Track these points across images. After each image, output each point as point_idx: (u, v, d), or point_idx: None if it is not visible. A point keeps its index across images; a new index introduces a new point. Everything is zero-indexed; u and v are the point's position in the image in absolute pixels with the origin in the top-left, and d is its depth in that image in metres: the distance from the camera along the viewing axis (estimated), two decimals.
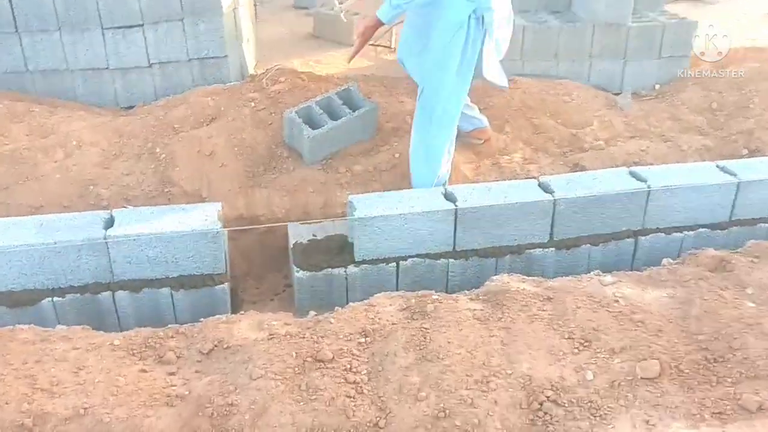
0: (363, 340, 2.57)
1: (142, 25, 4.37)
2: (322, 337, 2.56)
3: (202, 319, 2.79)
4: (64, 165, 3.67)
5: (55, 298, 3.04)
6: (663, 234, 3.51)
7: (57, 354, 2.50)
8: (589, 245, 3.45)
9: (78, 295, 3.06)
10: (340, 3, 4.56)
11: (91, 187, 3.58)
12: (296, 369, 2.42)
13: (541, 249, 3.40)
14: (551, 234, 3.40)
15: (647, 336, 2.57)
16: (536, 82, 4.66)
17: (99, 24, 4.32)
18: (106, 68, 4.46)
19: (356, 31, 3.46)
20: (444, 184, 3.55)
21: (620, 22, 4.97)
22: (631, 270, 3.30)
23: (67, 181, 3.59)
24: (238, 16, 4.93)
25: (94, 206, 3.53)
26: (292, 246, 3.35)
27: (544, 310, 2.73)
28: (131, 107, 4.49)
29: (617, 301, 2.77)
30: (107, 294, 3.08)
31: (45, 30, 4.31)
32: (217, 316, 2.80)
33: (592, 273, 3.00)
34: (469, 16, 3.22)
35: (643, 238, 3.49)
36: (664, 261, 3.15)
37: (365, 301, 2.82)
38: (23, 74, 4.43)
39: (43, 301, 3.03)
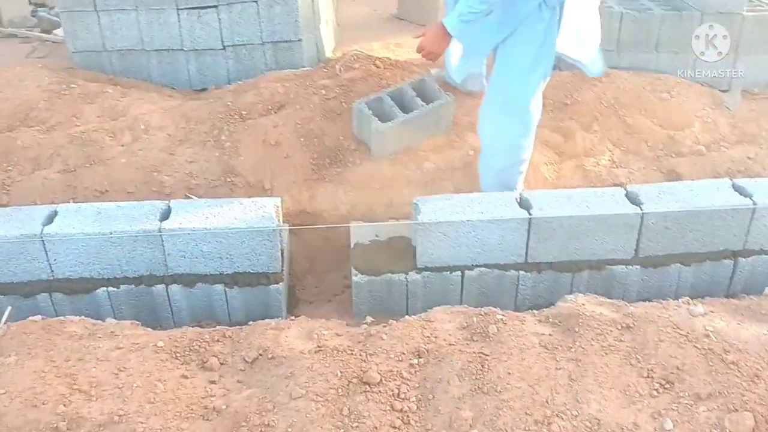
0: (415, 361, 2.36)
1: (217, 6, 4.28)
2: (371, 354, 2.38)
3: (251, 322, 2.68)
4: (130, 149, 3.63)
5: (110, 288, 3.00)
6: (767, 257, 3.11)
7: (100, 353, 2.43)
8: (679, 265, 3.10)
9: (132, 286, 3.01)
10: None
11: (155, 173, 3.52)
12: (340, 390, 2.25)
13: (624, 266, 3.08)
14: (636, 250, 3.07)
15: (741, 381, 2.24)
16: (632, 76, 4.26)
17: (174, 4, 4.25)
18: (181, 49, 4.40)
19: (426, 47, 3.03)
20: (517, 188, 3.28)
21: (734, 11, 4.48)
22: (727, 297, 2.94)
23: (132, 166, 3.55)
24: None
25: (157, 193, 3.48)
26: (352, 247, 3.17)
27: (621, 341, 2.44)
28: (204, 90, 4.42)
29: (708, 335, 2.43)
30: (161, 287, 3.01)
31: (122, 9, 4.29)
32: (267, 320, 2.68)
33: (680, 300, 2.66)
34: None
35: (743, 260, 3.11)
36: (767, 290, 2.77)
37: (422, 315, 2.62)
38: (101, 53, 4.44)
39: (98, 291, 2.99)
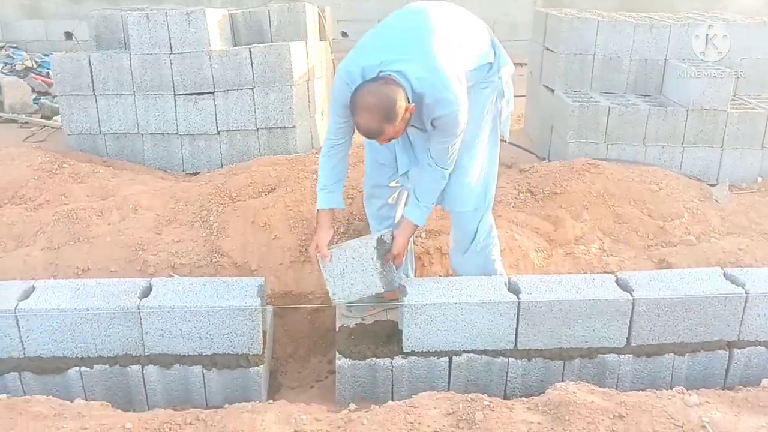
0: None
1: (213, 92, 4.37)
2: None
3: (227, 405, 2.55)
4: (117, 228, 3.60)
5: (83, 368, 2.88)
6: (764, 348, 3.02)
7: None
8: (673, 354, 3.00)
9: (107, 366, 2.89)
10: None
11: (140, 252, 3.47)
12: None
13: (616, 354, 2.98)
14: (629, 338, 2.98)
15: None
16: (621, 168, 4.31)
17: (172, 90, 4.35)
18: (176, 134, 4.46)
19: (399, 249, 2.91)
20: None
21: (718, 107, 4.59)
22: (723, 389, 2.83)
23: (117, 244, 3.50)
24: (313, 88, 4.89)
25: (140, 272, 3.42)
26: (337, 329, 3.08)
27: (613, 431, 2.32)
28: (197, 173, 4.44)
29: (704, 427, 2.32)
30: (136, 368, 2.89)
31: (120, 93, 4.38)
32: (243, 403, 2.55)
33: (674, 389, 2.56)
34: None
35: (738, 351, 3.02)
36: (765, 381, 2.67)
37: (406, 401, 2.50)
38: (96, 136, 4.50)
39: (70, 371, 2.88)
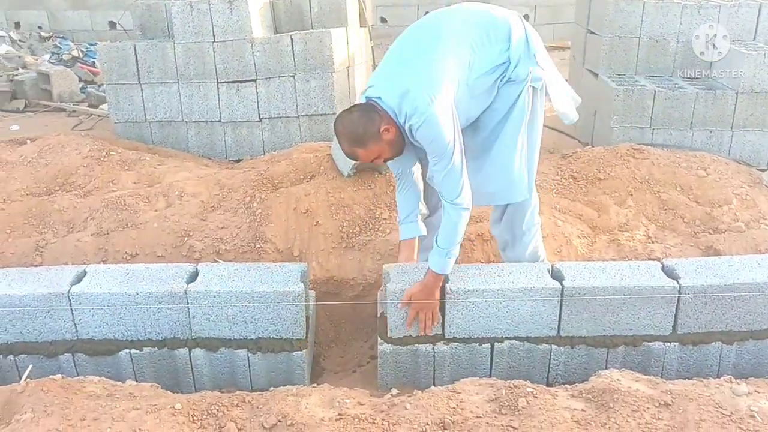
0: None
1: (255, 80, 4.41)
2: (393, 424, 2.28)
3: (272, 388, 2.61)
4: (163, 214, 3.68)
5: (133, 351, 2.96)
6: None
7: (116, 413, 2.37)
8: (720, 343, 2.95)
9: (155, 349, 2.97)
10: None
11: (186, 238, 3.54)
12: None
13: (661, 343, 2.94)
14: (675, 326, 2.94)
15: None
16: (666, 153, 4.22)
17: (215, 78, 4.40)
18: (219, 121, 4.53)
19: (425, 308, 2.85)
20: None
21: None
22: None
23: (163, 230, 3.58)
24: (353, 75, 4.89)
25: (186, 257, 3.49)
26: (378, 315, 3.11)
27: (659, 419, 2.29)
28: (239, 160, 4.51)
29: (753, 416, 2.28)
30: (184, 351, 2.96)
31: (164, 82, 4.46)
32: (288, 386, 2.60)
33: (722, 378, 2.52)
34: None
35: None
36: None
37: (449, 386, 2.52)
38: (142, 123, 4.59)
39: (121, 353, 2.96)
